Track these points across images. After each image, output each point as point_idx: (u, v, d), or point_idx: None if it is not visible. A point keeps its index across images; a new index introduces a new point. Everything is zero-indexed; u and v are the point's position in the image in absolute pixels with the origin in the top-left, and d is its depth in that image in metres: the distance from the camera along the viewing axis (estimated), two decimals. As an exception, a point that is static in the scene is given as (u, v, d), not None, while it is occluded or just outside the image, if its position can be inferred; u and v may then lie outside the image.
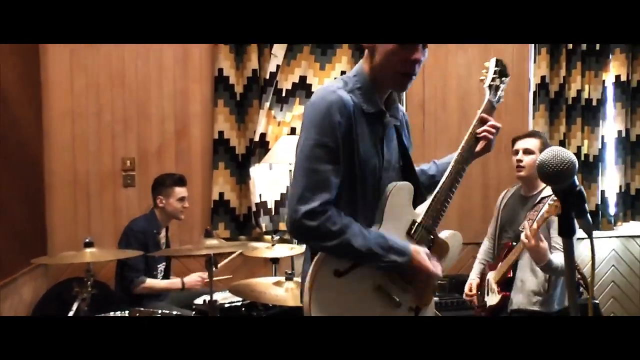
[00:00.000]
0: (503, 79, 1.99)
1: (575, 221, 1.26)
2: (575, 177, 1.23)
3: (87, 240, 2.63)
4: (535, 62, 4.54)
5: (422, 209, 1.83)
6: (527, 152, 3.01)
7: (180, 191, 3.59)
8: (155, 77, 4.08)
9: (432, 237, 1.83)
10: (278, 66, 4.08)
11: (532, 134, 3.12)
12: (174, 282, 3.59)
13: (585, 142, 4.59)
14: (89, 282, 2.47)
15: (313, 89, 4.22)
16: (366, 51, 1.78)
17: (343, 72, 4.24)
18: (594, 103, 4.56)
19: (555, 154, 1.20)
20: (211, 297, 2.64)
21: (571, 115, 4.55)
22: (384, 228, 1.75)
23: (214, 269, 2.73)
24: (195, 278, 3.60)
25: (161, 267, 3.60)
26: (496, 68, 1.99)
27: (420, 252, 1.75)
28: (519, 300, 2.91)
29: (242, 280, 3.15)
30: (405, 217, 1.80)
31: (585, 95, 4.57)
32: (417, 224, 1.80)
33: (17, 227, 3.43)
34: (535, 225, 2.58)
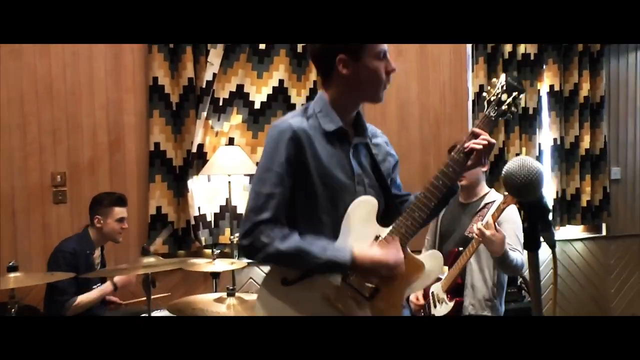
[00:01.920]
0: (514, 93, 1.91)
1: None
2: (542, 189, 1.19)
3: (10, 264, 2.42)
4: (473, 71, 4.60)
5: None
6: None
7: (119, 211, 3.42)
8: (86, 87, 3.88)
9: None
10: (214, 74, 3.97)
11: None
12: (105, 286, 3.35)
13: (524, 149, 4.69)
14: (12, 310, 2.27)
15: (251, 98, 4.13)
16: (340, 62, 1.78)
17: (281, 81, 4.17)
18: (531, 112, 4.67)
19: (522, 164, 1.16)
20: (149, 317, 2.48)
21: (509, 124, 4.63)
22: (341, 242, 1.74)
23: (151, 288, 2.58)
24: (124, 276, 3.39)
25: (96, 287, 3.39)
26: (503, 83, 1.93)
27: (369, 249, 1.72)
28: (471, 306, 2.90)
29: (182, 297, 3.01)
30: (367, 231, 1.77)
31: (522, 104, 4.66)
32: (380, 239, 1.76)
33: None
34: (491, 219, 2.65)
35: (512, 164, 1.17)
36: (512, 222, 2.85)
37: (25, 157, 3.79)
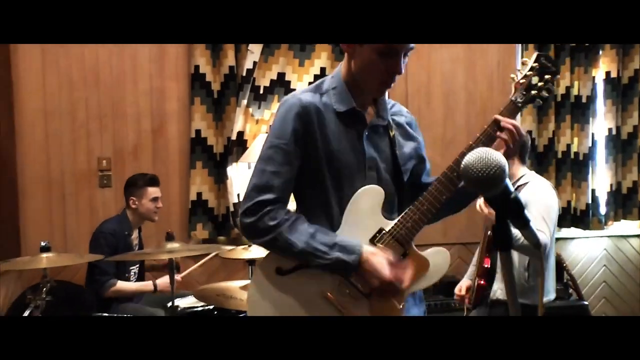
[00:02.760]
0: (546, 76, 1.73)
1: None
2: (509, 184, 1.10)
3: (43, 244, 2.52)
4: (523, 56, 4.39)
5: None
6: None
7: (153, 191, 3.50)
8: (131, 75, 3.98)
9: (404, 249, 1.66)
10: (255, 63, 3.98)
11: None
12: (146, 284, 3.48)
13: (575, 140, 4.48)
14: (44, 289, 2.37)
15: (292, 86, 4.12)
16: (346, 54, 1.71)
17: (322, 69, 4.14)
18: (584, 100, 4.44)
19: (480, 157, 1.07)
20: (172, 303, 2.53)
21: (560, 113, 4.43)
22: (342, 232, 1.66)
23: (175, 274, 2.62)
24: (167, 280, 3.49)
25: (134, 269, 3.51)
26: (534, 64, 1.74)
27: (377, 255, 1.62)
28: (499, 290, 2.79)
29: (214, 283, 3.05)
30: (370, 223, 1.68)
31: (574, 92, 4.45)
32: (383, 232, 1.67)
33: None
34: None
35: (470, 156, 1.08)
36: (536, 203, 2.68)
37: (73, 142, 3.93)
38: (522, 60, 1.79)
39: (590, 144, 4.44)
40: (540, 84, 1.74)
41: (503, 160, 1.07)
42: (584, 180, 4.45)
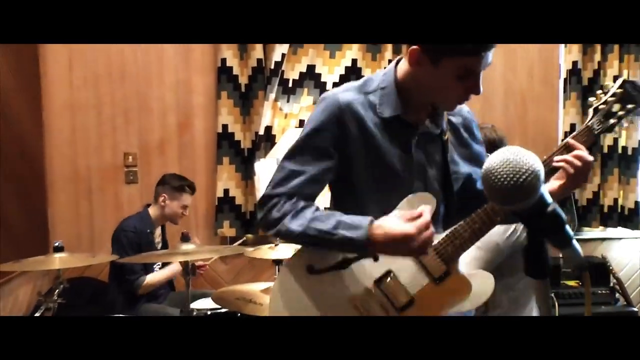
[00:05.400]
0: (629, 105, 1.56)
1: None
2: (545, 194, 0.88)
3: (56, 244, 2.44)
4: (566, 46, 4.16)
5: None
6: None
7: (187, 198, 3.45)
8: (156, 69, 3.90)
9: (447, 267, 1.51)
10: (283, 55, 3.84)
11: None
12: (174, 267, 3.36)
13: (624, 133, 4.20)
14: (56, 290, 2.29)
15: (322, 79, 3.98)
16: (411, 54, 1.48)
17: (354, 61, 3.98)
18: (633, 90, 4.15)
19: (506, 159, 0.85)
20: (187, 306, 2.43)
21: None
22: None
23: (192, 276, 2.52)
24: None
25: (156, 267, 3.43)
26: (618, 90, 1.57)
27: (386, 222, 1.44)
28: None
29: (246, 283, 2.94)
30: None
31: None
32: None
33: (15, 224, 3.31)
34: None
35: (493, 158, 0.87)
36: None
37: (99, 137, 3.88)
38: (604, 84, 1.62)
39: (640, 138, 4.17)
40: (621, 112, 1.56)
41: (537, 165, 0.87)
42: (633, 177, 4.19)
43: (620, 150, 4.19)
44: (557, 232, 0.90)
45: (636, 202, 4.19)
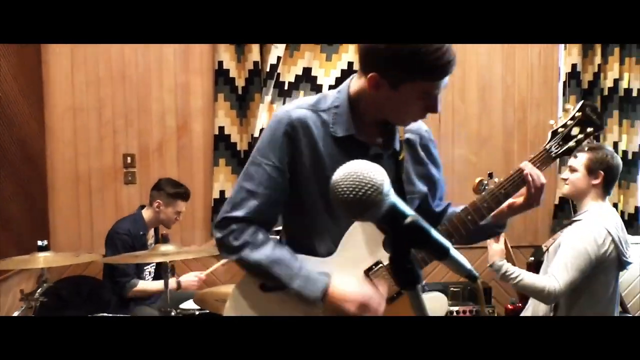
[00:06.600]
0: (589, 129, 1.58)
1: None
2: (400, 206, 0.88)
3: (40, 243, 2.49)
4: (565, 48, 4.12)
5: None
6: (571, 169, 2.58)
7: (181, 205, 3.48)
8: (156, 71, 3.96)
9: (397, 289, 1.51)
10: (279, 58, 3.87)
11: (589, 149, 2.55)
12: (170, 283, 3.43)
13: (624, 137, 4.15)
14: (38, 290, 2.34)
15: (318, 81, 4.00)
16: (370, 80, 1.46)
17: (350, 63, 3.99)
18: (634, 94, 4.10)
19: (349, 172, 0.85)
20: (167, 308, 2.46)
21: (607, 108, 4.10)
22: (333, 262, 1.53)
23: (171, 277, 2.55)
24: (191, 278, 3.45)
25: (149, 268, 3.49)
26: (577, 114, 1.58)
27: (342, 286, 1.47)
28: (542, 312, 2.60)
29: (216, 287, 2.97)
30: (367, 254, 1.53)
31: (624, 84, 4.11)
32: (380, 265, 1.52)
33: (17, 224, 3.39)
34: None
35: (340, 170, 0.87)
36: (567, 245, 2.42)
37: (100, 139, 3.95)
38: (565, 107, 1.63)
39: (641, 142, 4.12)
40: (580, 136, 1.57)
41: (379, 178, 0.86)
42: (633, 182, 4.13)
43: (620, 155, 4.14)
44: (423, 243, 0.89)
45: (636, 207, 4.14)
